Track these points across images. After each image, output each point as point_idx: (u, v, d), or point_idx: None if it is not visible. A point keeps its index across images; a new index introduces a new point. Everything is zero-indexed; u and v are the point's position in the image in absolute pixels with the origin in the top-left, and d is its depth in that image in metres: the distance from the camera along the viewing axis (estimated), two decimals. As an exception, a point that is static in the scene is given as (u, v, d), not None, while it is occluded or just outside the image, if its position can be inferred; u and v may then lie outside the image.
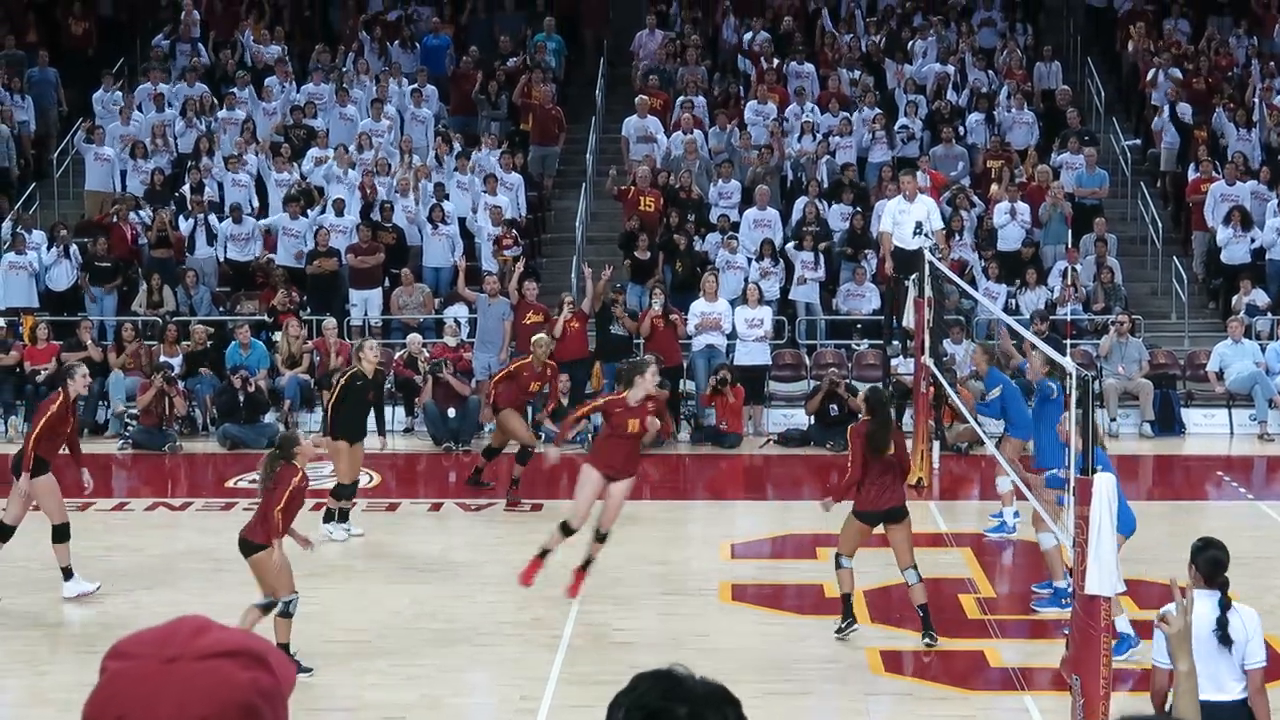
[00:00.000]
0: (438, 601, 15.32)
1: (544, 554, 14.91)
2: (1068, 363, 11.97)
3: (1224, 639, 8.62)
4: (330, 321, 25.20)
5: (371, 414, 18.66)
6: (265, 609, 13.04)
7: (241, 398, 23.71)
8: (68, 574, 15.43)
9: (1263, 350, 24.84)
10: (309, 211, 27.41)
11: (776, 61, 30.96)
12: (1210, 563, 8.84)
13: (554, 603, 15.00)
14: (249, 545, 13.10)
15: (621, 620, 14.62)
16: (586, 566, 14.94)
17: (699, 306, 24.59)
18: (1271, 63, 30.69)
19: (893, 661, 13.57)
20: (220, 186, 28.25)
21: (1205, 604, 8.82)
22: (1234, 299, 25.98)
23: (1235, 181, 27.14)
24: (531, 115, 29.80)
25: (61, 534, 15.38)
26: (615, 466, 14.74)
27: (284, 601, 13.03)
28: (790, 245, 26.43)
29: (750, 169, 28.18)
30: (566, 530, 14.86)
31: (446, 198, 27.52)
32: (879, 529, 13.89)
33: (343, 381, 17.91)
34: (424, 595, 15.56)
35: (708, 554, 17.36)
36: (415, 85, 30.25)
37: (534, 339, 19.85)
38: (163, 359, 24.66)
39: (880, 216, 23.61)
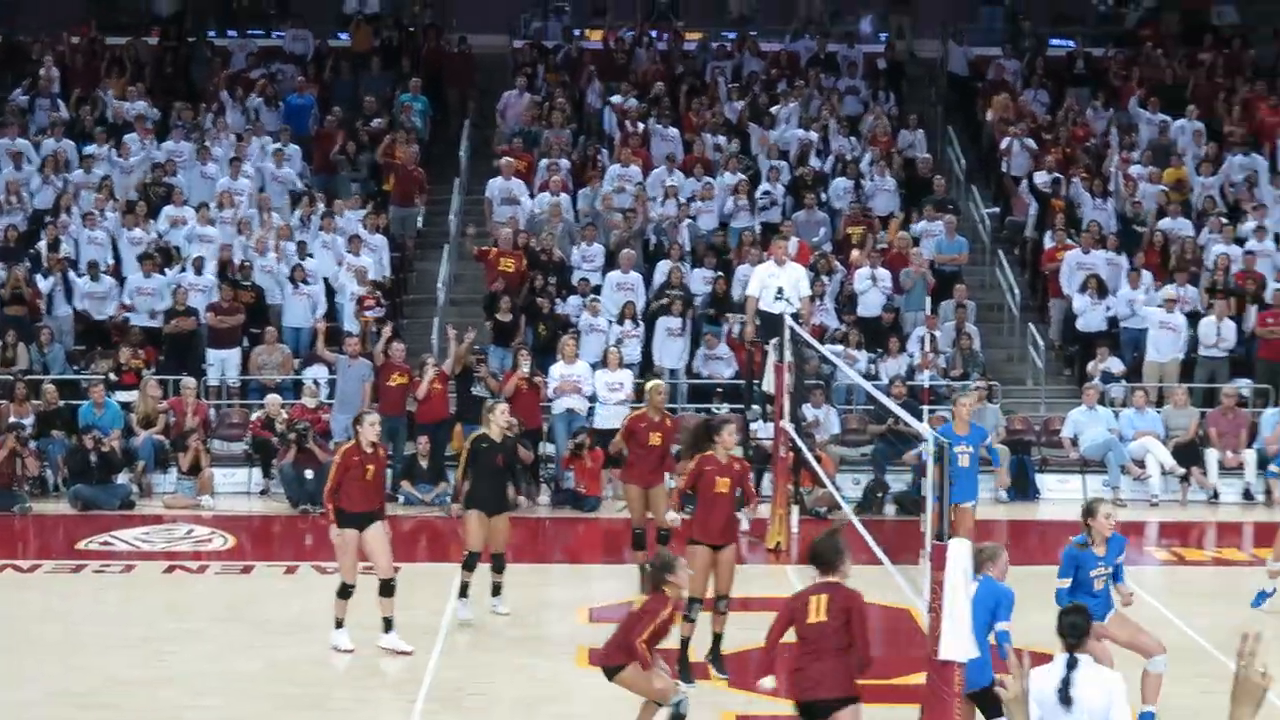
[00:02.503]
0: (293, 665, 15.16)
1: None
2: (925, 428, 12.09)
3: (1065, 699, 8.71)
4: (189, 381, 24.94)
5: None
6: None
7: (94, 458, 23.38)
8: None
9: (1116, 417, 25.19)
10: (166, 270, 27.14)
11: (641, 126, 31.10)
12: (1069, 627, 8.93)
13: (410, 665, 14.91)
14: (610, 670, 12.33)
15: (477, 683, 14.54)
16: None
17: (558, 369, 24.59)
18: (1131, 134, 31.21)
19: (749, 726, 13.55)
20: (76, 244, 27.91)
21: (1057, 665, 8.91)
22: (1089, 365, 26.33)
23: (1091, 250, 27.56)
24: (393, 175, 29.72)
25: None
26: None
27: (674, 703, 12.33)
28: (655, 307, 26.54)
29: (614, 232, 28.25)
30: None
31: (310, 256, 27.35)
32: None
33: (469, 446, 16.69)
34: (279, 659, 15.40)
35: (566, 617, 17.31)
36: (278, 144, 30.09)
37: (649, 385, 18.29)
38: (13, 418, 24.25)
39: (746, 280, 23.68)
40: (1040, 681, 8.79)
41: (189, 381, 24.92)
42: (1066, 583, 12.93)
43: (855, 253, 28.05)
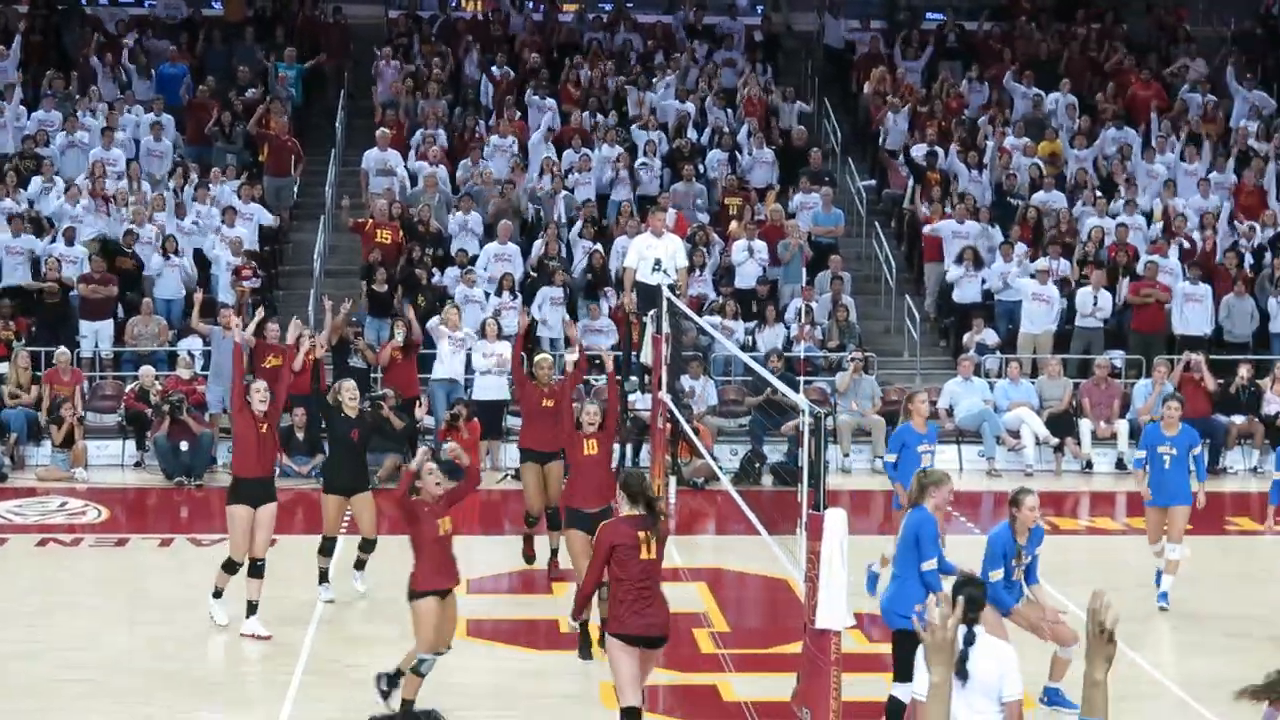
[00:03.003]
0: (170, 641, 15.08)
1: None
2: (801, 399, 12.18)
3: (961, 673, 8.72)
4: (63, 351, 24.67)
5: None
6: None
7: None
8: None
9: (991, 388, 25.49)
10: (40, 238, 26.84)
11: (518, 96, 31.08)
12: (967, 600, 8.90)
13: (286, 645, 14.88)
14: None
15: (356, 657, 14.54)
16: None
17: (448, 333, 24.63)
18: (1004, 109, 31.54)
19: (627, 696, 13.62)
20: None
21: None
22: (965, 337, 26.60)
23: (965, 220, 27.83)
24: (267, 145, 29.52)
25: None
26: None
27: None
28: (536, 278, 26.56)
29: (491, 203, 28.22)
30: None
31: (187, 229, 27.14)
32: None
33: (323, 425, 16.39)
34: (157, 634, 15.31)
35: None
36: (153, 115, 29.77)
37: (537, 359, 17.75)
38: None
39: (624, 252, 23.68)
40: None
41: (62, 351, 24.67)
42: (998, 575, 12.59)
43: (733, 224, 28.18)
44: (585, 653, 14.53)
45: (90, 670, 14.10)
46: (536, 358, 17.83)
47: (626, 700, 11.19)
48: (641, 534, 11.20)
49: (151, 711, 13.03)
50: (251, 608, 15.22)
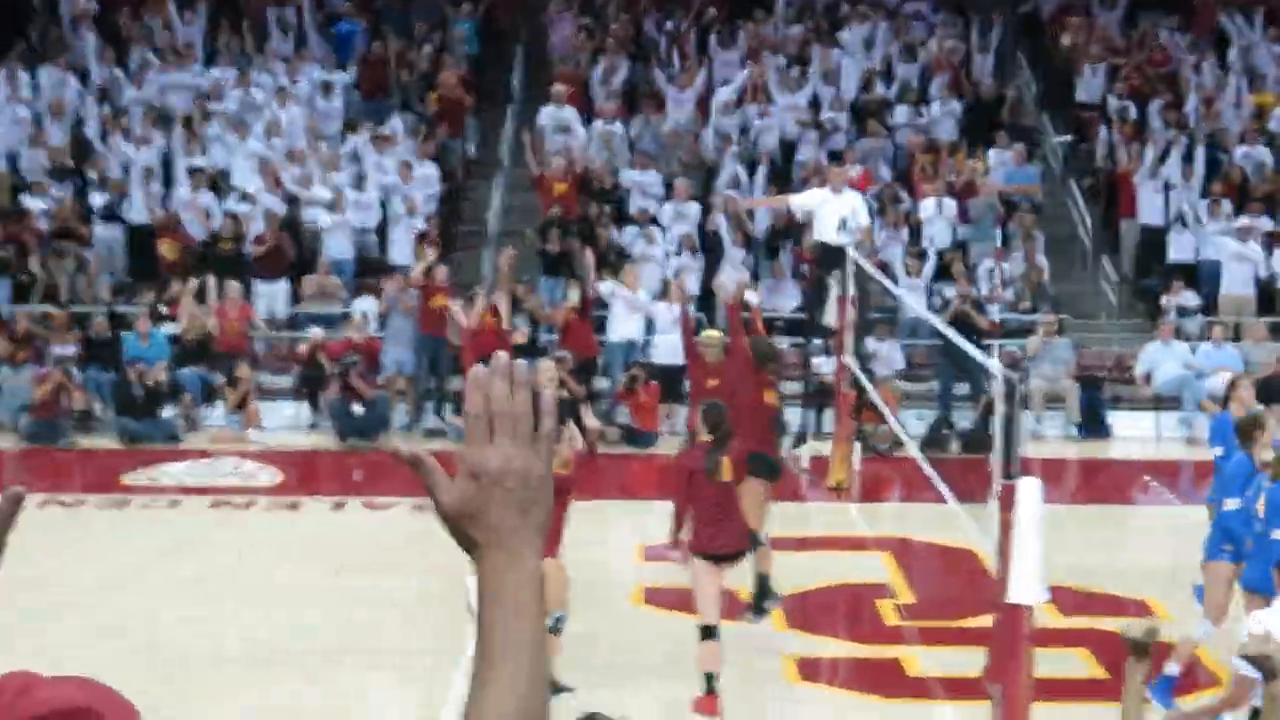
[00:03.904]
0: (342, 608, 15.13)
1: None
2: (994, 363, 11.95)
3: None
4: (234, 285, 24.86)
5: None
6: None
7: (139, 391, 23.44)
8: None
9: (1193, 352, 24.91)
10: (218, 194, 27.19)
11: (699, 50, 30.87)
12: None
13: (460, 615, 14.86)
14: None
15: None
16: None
17: (622, 295, 24.53)
18: (1206, 56, 30.77)
19: (809, 669, 13.52)
20: (126, 169, 27.82)
21: None
22: (1163, 300, 26.02)
23: (1160, 175, 27.24)
24: (442, 103, 29.53)
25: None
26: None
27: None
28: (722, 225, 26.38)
29: (673, 157, 28.07)
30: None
31: (357, 185, 27.31)
32: None
33: None
34: (328, 600, 15.38)
35: (621, 556, 17.28)
36: (325, 74, 29.97)
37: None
38: (58, 350, 24.27)
39: (795, 199, 23.33)
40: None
41: (234, 286, 24.85)
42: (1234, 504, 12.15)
43: (923, 184, 27.78)
44: (758, 610, 14.36)
45: (262, 635, 14.19)
46: (702, 334, 16.83)
47: (707, 618, 11.94)
48: (711, 460, 12.03)
49: (326, 676, 13.08)
50: None
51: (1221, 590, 12.17)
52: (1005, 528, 10.65)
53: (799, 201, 22.21)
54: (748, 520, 13.05)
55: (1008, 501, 10.60)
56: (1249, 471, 12.38)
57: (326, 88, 29.70)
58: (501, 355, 2.52)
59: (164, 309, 25.36)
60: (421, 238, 26.15)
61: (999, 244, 26.47)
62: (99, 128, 28.97)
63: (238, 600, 15.33)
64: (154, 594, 15.55)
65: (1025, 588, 10.61)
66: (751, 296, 16.18)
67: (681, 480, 12.22)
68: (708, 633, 11.94)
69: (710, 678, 12.04)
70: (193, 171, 27.20)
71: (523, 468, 2.47)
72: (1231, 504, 12.33)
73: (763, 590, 14.44)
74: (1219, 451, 13.85)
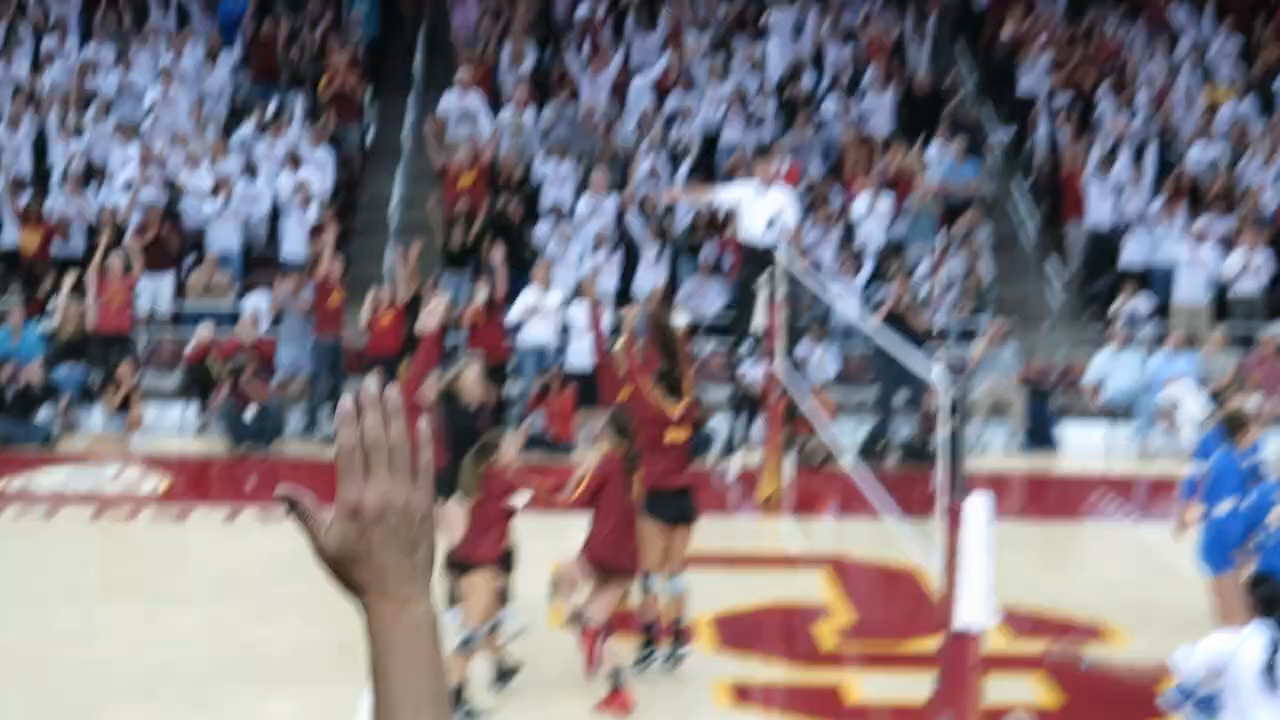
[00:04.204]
0: (234, 625, 15.09)
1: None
2: (936, 371, 12.05)
3: (1272, 682, 8.57)
4: (115, 261, 24.57)
5: None
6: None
7: (10, 391, 23.30)
8: None
9: (1145, 362, 25.07)
10: (88, 188, 27.01)
11: (615, 31, 30.91)
12: (1265, 600, 8.67)
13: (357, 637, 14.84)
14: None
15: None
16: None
17: (529, 295, 24.43)
18: (1166, 52, 31.06)
19: (742, 695, 13.60)
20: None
21: (1256, 640, 8.82)
22: (1114, 305, 26.17)
23: (1108, 173, 27.49)
24: (332, 86, 29.35)
25: None
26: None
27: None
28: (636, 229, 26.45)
29: (588, 148, 28.12)
30: None
31: (249, 173, 27.20)
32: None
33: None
34: (220, 615, 15.35)
35: (536, 572, 17.28)
36: (212, 51, 29.82)
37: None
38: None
39: (721, 192, 23.38)
40: (1231, 657, 8.71)
41: (115, 261, 24.55)
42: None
43: (856, 179, 27.92)
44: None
45: (148, 657, 14.14)
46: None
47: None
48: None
49: (213, 701, 13.05)
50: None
51: (1238, 599, 12.24)
52: (952, 548, 10.77)
53: (725, 196, 22.31)
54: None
55: (954, 520, 10.72)
56: (1237, 471, 12.57)
57: (211, 67, 29.55)
58: (370, 384, 2.50)
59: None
60: (316, 231, 26.09)
61: (938, 244, 26.66)
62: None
63: (119, 619, 15.25)
64: (27, 612, 15.42)
65: (975, 611, 10.74)
66: (679, 319, 15.91)
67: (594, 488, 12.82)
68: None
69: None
70: (68, 178, 26.95)
71: (404, 503, 2.44)
72: (1224, 507, 12.49)
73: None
74: (1203, 466, 13.93)
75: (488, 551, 12.72)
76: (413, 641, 2.45)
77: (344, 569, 2.47)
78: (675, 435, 14.10)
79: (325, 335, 24.10)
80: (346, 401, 2.47)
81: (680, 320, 15.72)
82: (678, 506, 13.89)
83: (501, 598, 13.20)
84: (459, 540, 12.79)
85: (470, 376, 14.74)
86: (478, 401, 14.68)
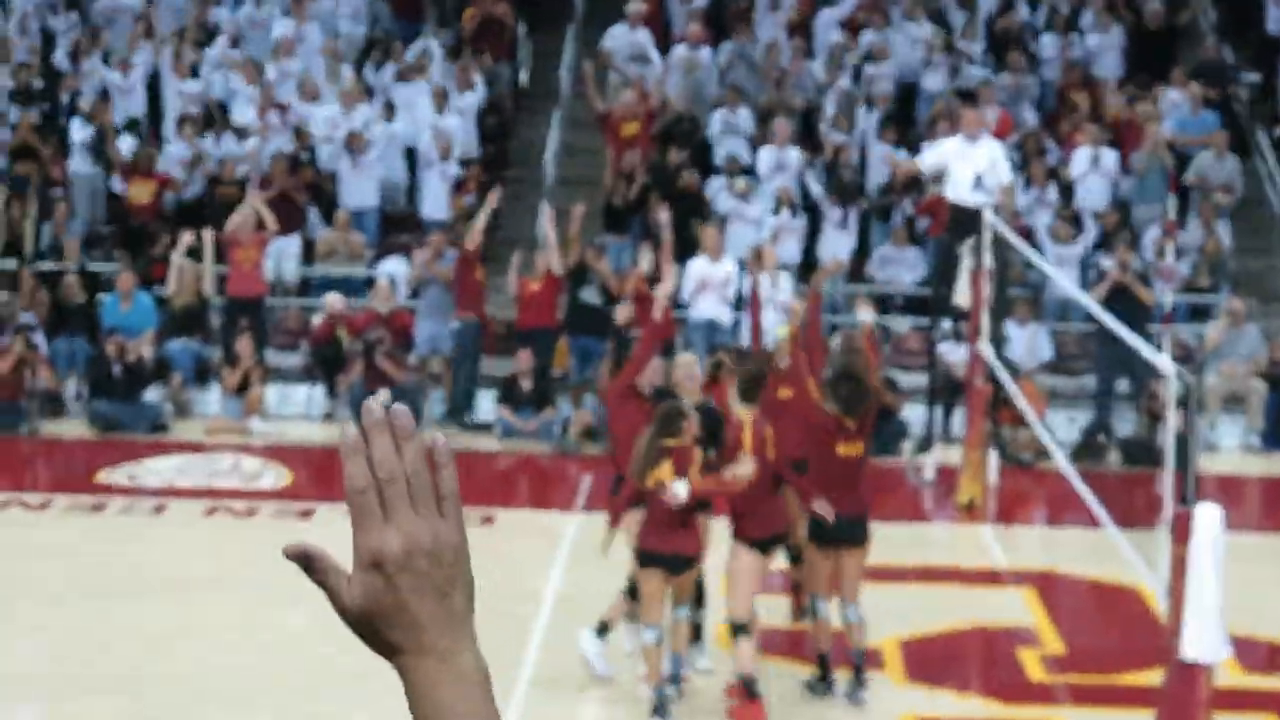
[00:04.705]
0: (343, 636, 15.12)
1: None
2: (1164, 359, 11.94)
3: None
4: (244, 211, 24.80)
5: None
6: None
7: (118, 368, 23.57)
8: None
9: None
10: (207, 134, 27.31)
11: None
12: None
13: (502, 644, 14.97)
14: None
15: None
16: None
17: (698, 267, 24.40)
18: None
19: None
20: (105, 94, 27.98)
21: None
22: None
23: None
24: (483, 21, 29.49)
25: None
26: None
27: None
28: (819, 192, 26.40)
29: (765, 96, 28.10)
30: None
31: (389, 119, 27.36)
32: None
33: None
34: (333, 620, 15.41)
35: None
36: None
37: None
38: (22, 317, 24.38)
39: (925, 156, 23.32)
40: None
41: (244, 212, 24.77)
42: None
43: (1077, 132, 27.70)
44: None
45: (251, 661, 14.30)
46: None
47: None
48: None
49: (313, 711, 13.19)
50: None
51: None
52: (1178, 564, 10.69)
53: (931, 160, 22.11)
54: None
55: (1182, 532, 10.64)
56: None
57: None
58: (373, 405, 2.35)
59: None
60: (460, 186, 26.23)
61: (1169, 208, 26.33)
62: (69, 43, 29.11)
63: (232, 629, 15.42)
64: (133, 618, 15.64)
65: (1203, 640, 10.65)
66: (865, 314, 15.49)
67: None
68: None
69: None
70: (183, 121, 27.27)
71: (431, 542, 2.34)
72: None
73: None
74: None
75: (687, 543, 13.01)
76: (463, 699, 2.36)
77: (373, 628, 2.40)
78: (849, 449, 13.88)
79: (467, 315, 24.15)
80: (350, 430, 2.35)
81: (865, 315, 15.52)
82: (848, 531, 13.67)
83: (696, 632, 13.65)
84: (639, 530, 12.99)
85: (685, 365, 14.69)
86: (695, 400, 14.03)
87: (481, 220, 23.96)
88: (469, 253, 23.83)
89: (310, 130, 27.33)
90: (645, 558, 12.88)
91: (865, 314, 15.46)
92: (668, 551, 12.80)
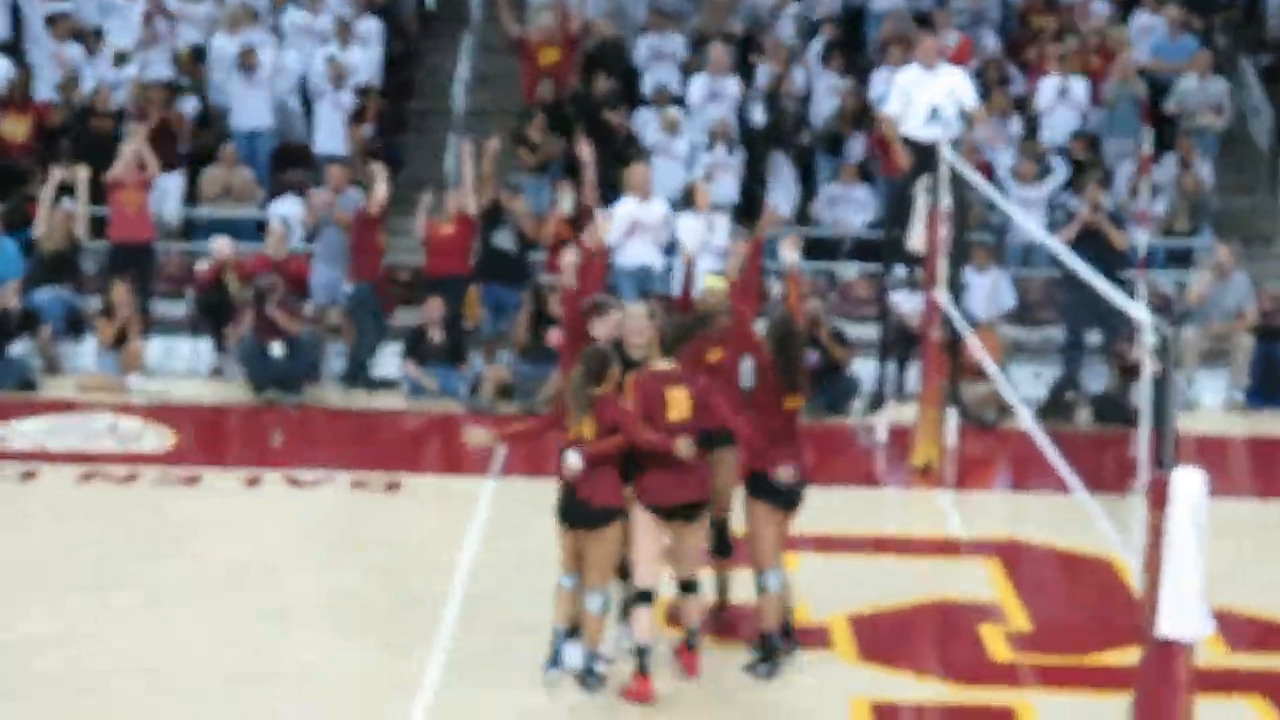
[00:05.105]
0: (248, 628, 15.11)
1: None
2: (1139, 310, 11.98)
3: None
4: (129, 145, 24.70)
5: None
6: None
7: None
8: None
9: None
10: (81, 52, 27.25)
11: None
12: None
13: (408, 627, 14.96)
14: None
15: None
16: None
17: (627, 208, 24.37)
18: None
19: (888, 717, 13.63)
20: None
21: None
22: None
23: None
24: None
25: None
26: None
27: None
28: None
29: (699, 19, 28.14)
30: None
31: (277, 44, 27.33)
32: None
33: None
34: (231, 611, 15.42)
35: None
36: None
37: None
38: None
39: (886, 93, 23.38)
40: None
41: (129, 146, 24.67)
42: None
43: (1043, 59, 27.80)
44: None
45: (148, 661, 14.25)
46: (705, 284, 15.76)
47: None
48: None
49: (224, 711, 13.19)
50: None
51: None
52: (1155, 533, 10.73)
53: (898, 106, 21.83)
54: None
55: (1158, 498, 10.69)
56: None
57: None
58: None
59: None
60: (357, 117, 26.16)
61: (1143, 141, 26.47)
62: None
63: (109, 605, 15.37)
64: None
65: (1182, 616, 10.71)
66: (790, 255, 15.32)
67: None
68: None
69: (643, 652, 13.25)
70: (53, 20, 27.17)
71: None
72: None
73: None
74: None
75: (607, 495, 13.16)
76: None
77: None
78: (793, 401, 13.84)
79: (361, 281, 24.06)
80: None
81: (791, 256, 15.25)
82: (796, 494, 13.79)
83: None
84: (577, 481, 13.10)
85: (635, 318, 14.06)
86: (643, 352, 13.81)
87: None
88: (370, 215, 23.73)
89: (192, 55, 27.22)
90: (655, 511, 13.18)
91: (790, 254, 15.13)
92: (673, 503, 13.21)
